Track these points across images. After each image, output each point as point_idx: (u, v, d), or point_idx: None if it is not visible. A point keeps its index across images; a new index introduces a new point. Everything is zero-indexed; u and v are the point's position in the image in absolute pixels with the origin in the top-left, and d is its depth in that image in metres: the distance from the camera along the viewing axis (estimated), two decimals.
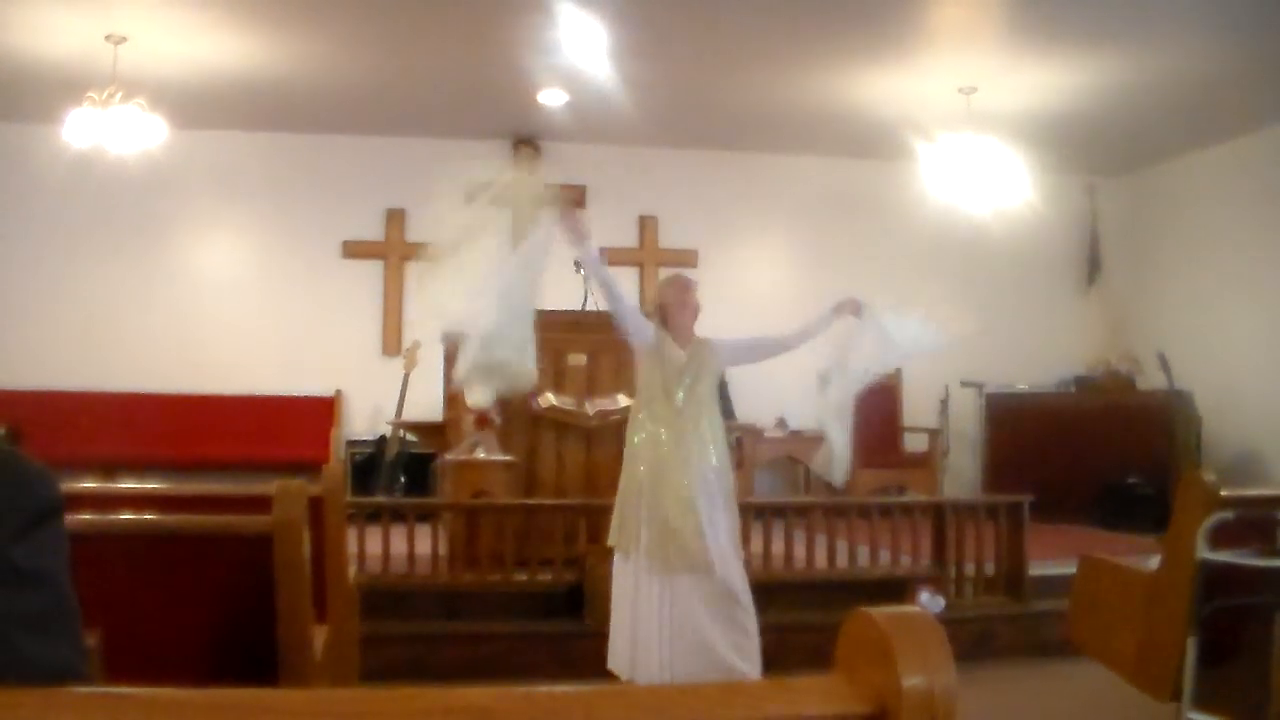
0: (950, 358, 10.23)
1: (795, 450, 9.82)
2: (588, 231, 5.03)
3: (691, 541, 4.72)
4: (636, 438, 4.99)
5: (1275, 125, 9.27)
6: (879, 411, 10.48)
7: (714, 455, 4.94)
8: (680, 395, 4.92)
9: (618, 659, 4.87)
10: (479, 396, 6.44)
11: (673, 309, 5.09)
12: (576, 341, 7.05)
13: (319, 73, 8.42)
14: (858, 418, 10.13)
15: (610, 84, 8.39)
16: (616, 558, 4.96)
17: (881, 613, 0.96)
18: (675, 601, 4.75)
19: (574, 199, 5.06)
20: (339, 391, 9.89)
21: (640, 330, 5.03)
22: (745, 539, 6.32)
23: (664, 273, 10.30)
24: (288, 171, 10.10)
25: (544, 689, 0.92)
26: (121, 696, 0.89)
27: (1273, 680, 3.52)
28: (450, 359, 6.89)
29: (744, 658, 4.79)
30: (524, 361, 4.74)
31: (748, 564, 6.26)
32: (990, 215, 8.96)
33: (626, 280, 10.43)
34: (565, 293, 7.28)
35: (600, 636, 5.06)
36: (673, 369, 4.96)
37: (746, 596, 4.89)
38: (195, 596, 2.59)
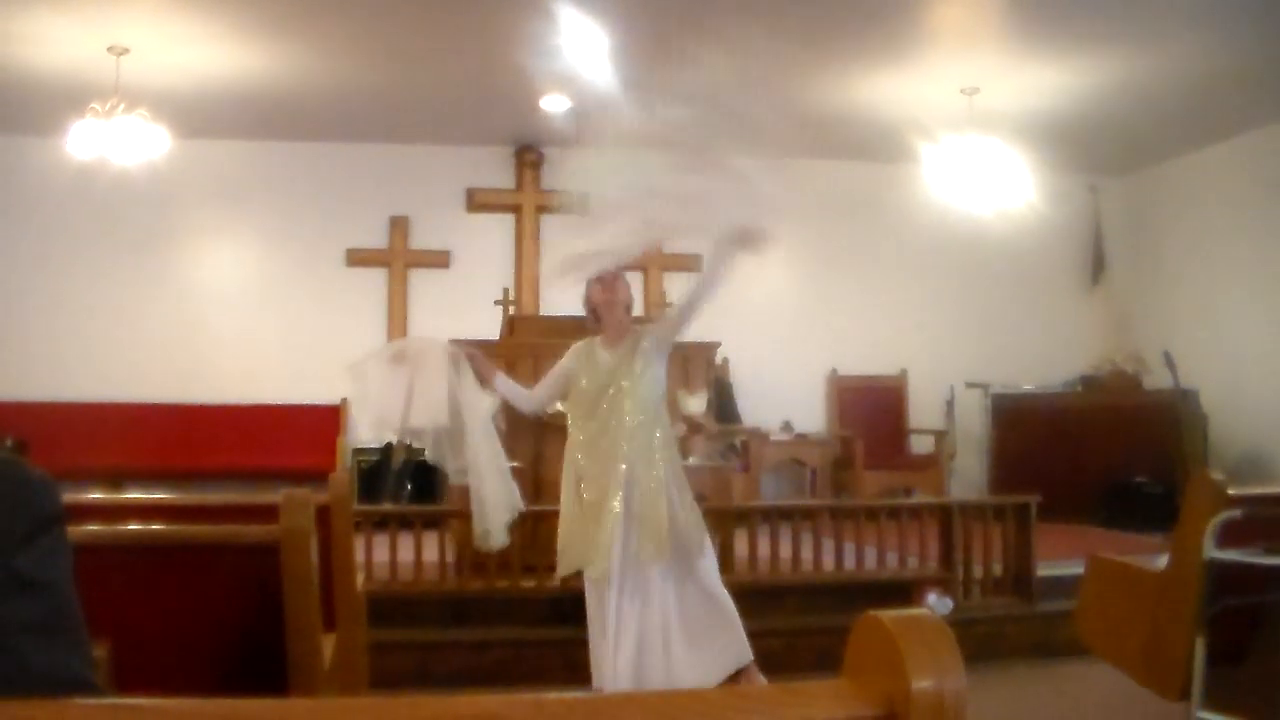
0: (955, 359, 10.26)
1: (801, 453, 9.82)
2: (492, 370, 5.19)
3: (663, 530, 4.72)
4: (578, 456, 5.00)
5: (1276, 123, 9.26)
6: (884, 414, 10.50)
7: (655, 442, 4.88)
8: (604, 403, 4.90)
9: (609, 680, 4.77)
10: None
11: (601, 309, 5.06)
12: None
13: (321, 81, 8.43)
14: (863, 420, 10.22)
15: (613, 89, 8.38)
16: (587, 583, 4.89)
17: (890, 616, 0.96)
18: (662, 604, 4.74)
19: (467, 352, 5.11)
20: (345, 399, 9.88)
21: (558, 381, 5.12)
22: (752, 543, 6.33)
23: (667, 277, 10.34)
24: (291, 180, 10.11)
25: (553, 695, 0.92)
26: (132, 708, 0.89)
27: None
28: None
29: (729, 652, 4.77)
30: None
31: (749, 566, 6.28)
32: (994, 216, 8.94)
33: (631, 285, 10.42)
34: (570, 298, 7.29)
35: None
36: (599, 377, 4.94)
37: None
38: (203, 606, 2.59)
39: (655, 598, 4.73)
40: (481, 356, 5.20)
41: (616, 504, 4.74)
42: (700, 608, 4.80)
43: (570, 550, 4.89)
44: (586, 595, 4.89)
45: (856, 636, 0.98)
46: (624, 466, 4.79)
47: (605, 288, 5.08)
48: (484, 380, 5.09)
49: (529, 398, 5.23)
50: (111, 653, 2.12)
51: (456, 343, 5.24)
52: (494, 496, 5.09)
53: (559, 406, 6.31)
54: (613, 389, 4.89)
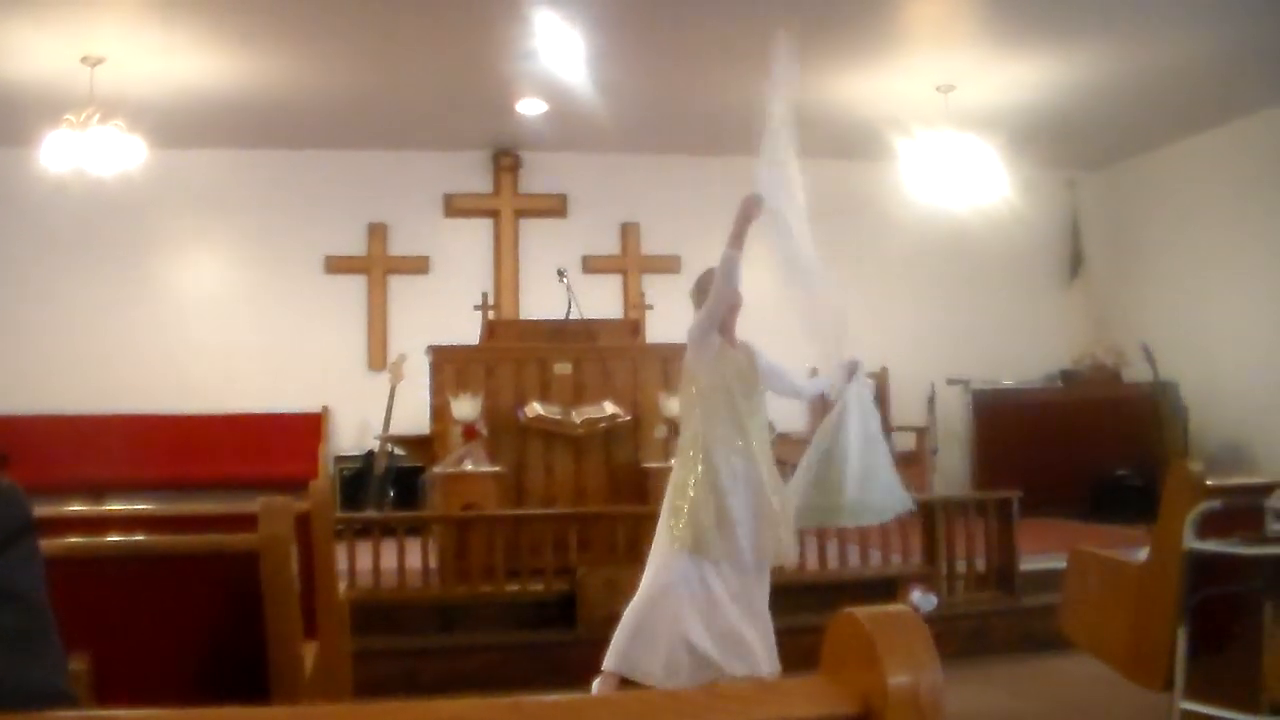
0: (936, 355, 10.29)
1: (784, 453, 9.80)
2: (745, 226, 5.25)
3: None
4: (717, 457, 4.85)
5: (1250, 114, 9.32)
6: None
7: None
8: (746, 404, 4.93)
9: (656, 665, 4.70)
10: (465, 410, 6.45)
11: (729, 316, 5.10)
12: (561, 350, 7.06)
13: (297, 88, 8.41)
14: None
15: (588, 92, 8.40)
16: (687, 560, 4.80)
17: (866, 612, 0.96)
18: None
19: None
20: (326, 407, 9.87)
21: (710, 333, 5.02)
22: None
23: (647, 280, 10.35)
24: (268, 188, 10.08)
25: (531, 699, 0.92)
26: (113, 719, 0.88)
27: (1264, 668, 3.53)
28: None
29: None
30: None
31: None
32: (972, 212, 8.98)
33: (610, 288, 10.44)
34: (549, 301, 7.31)
35: (592, 645, 4.97)
36: (741, 373, 4.98)
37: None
38: (184, 616, 2.58)
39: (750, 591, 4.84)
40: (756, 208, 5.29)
41: (773, 500, 4.83)
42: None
43: (705, 535, 4.78)
44: (685, 578, 4.78)
45: (833, 634, 0.98)
46: (763, 467, 4.88)
47: (738, 297, 5.11)
48: (741, 225, 5.26)
49: (724, 296, 5.06)
50: (93, 664, 2.11)
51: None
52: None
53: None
54: (757, 392, 5.00)
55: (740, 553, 4.77)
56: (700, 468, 4.84)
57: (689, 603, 4.73)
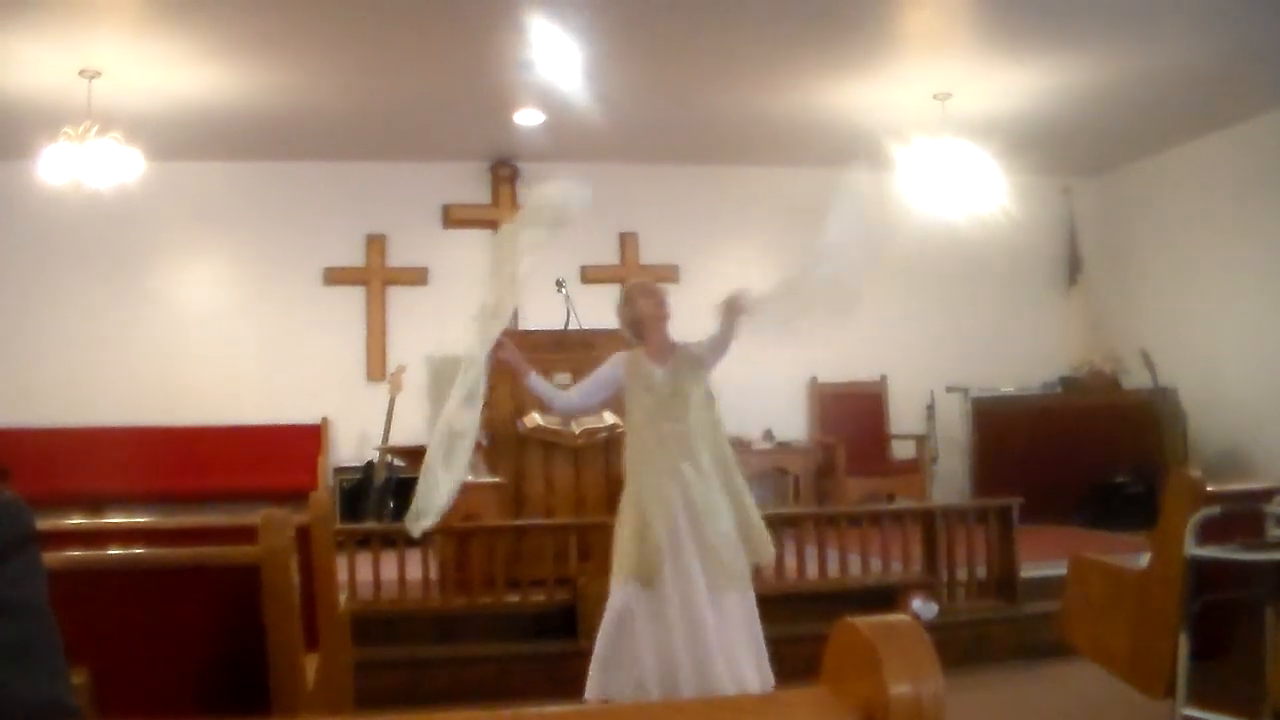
0: (935, 363, 10.29)
1: (783, 461, 9.85)
2: (527, 366, 5.00)
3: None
4: (645, 484, 4.79)
5: (1247, 120, 9.32)
6: (865, 420, 10.52)
7: (704, 456, 4.81)
8: (664, 420, 4.81)
9: (628, 691, 4.67)
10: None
11: (650, 323, 4.97)
12: (561, 360, 7.04)
13: (295, 100, 8.41)
14: (845, 427, 10.24)
15: (586, 102, 8.41)
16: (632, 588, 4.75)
17: (867, 621, 0.96)
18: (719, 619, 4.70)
19: (499, 342, 4.94)
20: (325, 419, 9.86)
21: (604, 387, 4.99)
22: None
23: None
24: (266, 200, 10.08)
25: (532, 709, 0.92)
26: None
27: (1266, 674, 3.53)
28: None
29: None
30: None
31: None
32: (969, 220, 8.98)
33: (609, 298, 10.42)
34: (549, 311, 7.30)
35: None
36: (654, 388, 4.84)
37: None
38: (185, 629, 2.58)
39: (696, 612, 4.66)
40: (513, 348, 5.03)
41: (678, 520, 4.69)
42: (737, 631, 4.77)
43: (627, 560, 4.75)
44: (631, 603, 4.74)
45: (834, 643, 0.98)
46: (680, 484, 4.73)
47: (658, 302, 5.01)
48: (518, 376, 5.01)
49: (565, 399, 5.12)
50: (94, 678, 2.11)
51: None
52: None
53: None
54: (675, 404, 4.82)
55: (685, 579, 4.66)
56: (631, 496, 4.82)
57: (639, 631, 4.69)
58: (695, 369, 4.91)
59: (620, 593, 4.75)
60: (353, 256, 10.23)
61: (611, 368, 5.00)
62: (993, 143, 8.55)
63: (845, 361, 10.50)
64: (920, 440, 10.00)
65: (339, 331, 10.11)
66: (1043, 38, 7.47)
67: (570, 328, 7.21)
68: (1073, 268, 11.17)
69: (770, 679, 4.76)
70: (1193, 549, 3.75)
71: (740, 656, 4.72)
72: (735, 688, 4.57)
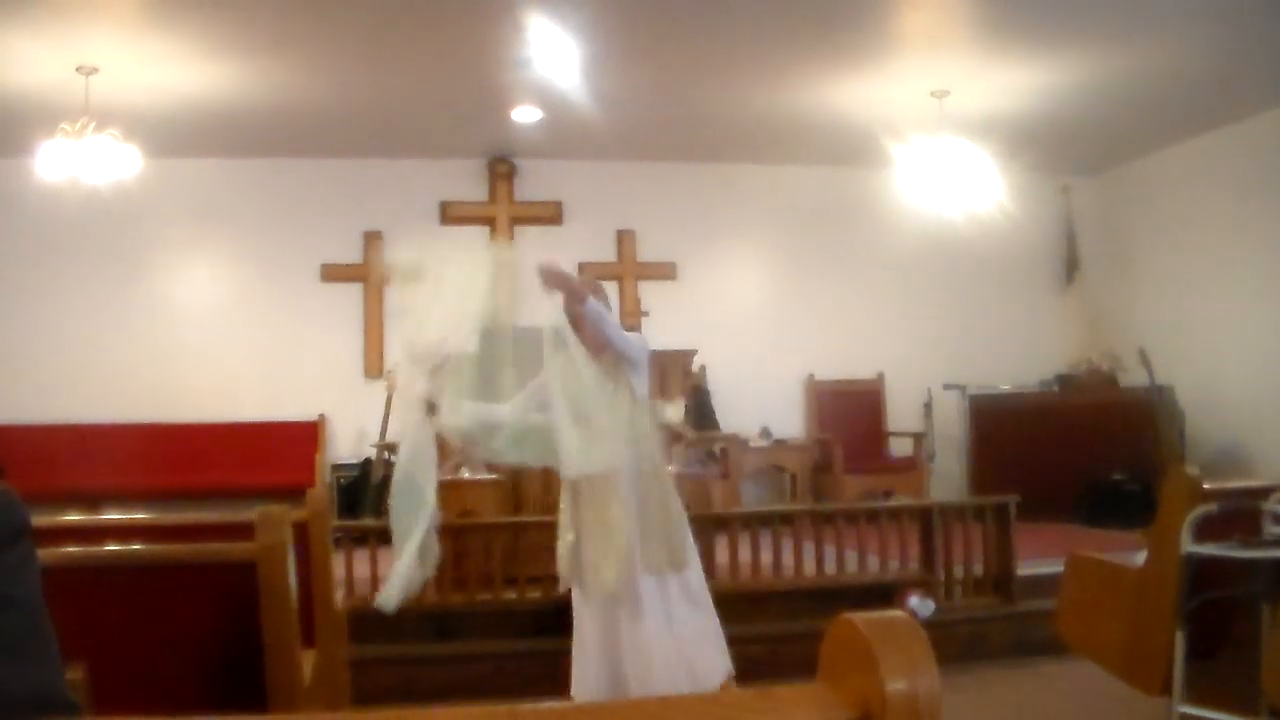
0: (932, 361, 10.29)
1: (780, 459, 9.86)
2: (572, 280, 4.73)
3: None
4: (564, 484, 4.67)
5: (1245, 119, 9.33)
6: (863, 417, 10.52)
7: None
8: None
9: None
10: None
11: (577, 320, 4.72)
12: None
13: (292, 97, 8.40)
14: (842, 424, 10.24)
15: (583, 99, 8.40)
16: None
17: (863, 618, 0.96)
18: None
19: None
20: (322, 415, 9.86)
21: (639, 352, 4.70)
22: (732, 549, 6.32)
23: (643, 286, 10.35)
24: (264, 197, 10.07)
25: (528, 706, 0.92)
26: None
27: (1262, 671, 3.53)
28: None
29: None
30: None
31: (730, 572, 6.26)
32: (967, 218, 8.98)
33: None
34: (548, 311, 7.29)
35: None
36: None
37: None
38: (182, 626, 2.57)
39: (627, 612, 4.53)
40: (561, 268, 4.76)
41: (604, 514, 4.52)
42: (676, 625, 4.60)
43: (561, 567, 4.66)
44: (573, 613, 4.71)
45: (831, 640, 0.98)
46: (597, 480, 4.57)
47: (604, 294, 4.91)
48: (570, 300, 4.64)
49: (624, 340, 4.67)
50: (89, 674, 2.11)
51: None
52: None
53: None
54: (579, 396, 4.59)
55: (591, 583, 4.53)
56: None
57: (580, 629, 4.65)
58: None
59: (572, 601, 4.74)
60: (350, 253, 10.22)
61: (642, 341, 4.77)
62: (991, 141, 8.55)
63: (843, 359, 10.52)
64: (918, 438, 10.00)
65: (336, 328, 10.10)
66: (1041, 36, 7.47)
67: None
68: (1070, 266, 11.17)
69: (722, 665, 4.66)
70: (1190, 547, 3.75)
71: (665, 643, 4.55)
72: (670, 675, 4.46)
